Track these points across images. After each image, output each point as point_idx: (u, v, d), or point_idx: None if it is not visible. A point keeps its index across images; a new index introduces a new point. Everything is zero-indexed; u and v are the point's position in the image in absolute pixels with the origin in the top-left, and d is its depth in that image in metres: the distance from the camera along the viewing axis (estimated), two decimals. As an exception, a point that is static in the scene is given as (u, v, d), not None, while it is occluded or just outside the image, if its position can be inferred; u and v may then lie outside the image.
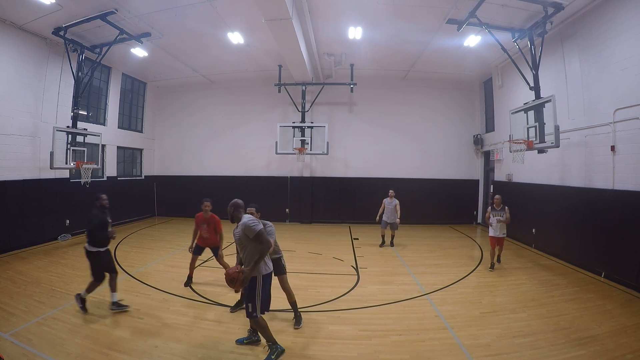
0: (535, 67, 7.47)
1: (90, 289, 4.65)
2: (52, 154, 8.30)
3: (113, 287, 4.76)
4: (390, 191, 8.85)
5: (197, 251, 5.80)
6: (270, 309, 3.80)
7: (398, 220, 8.57)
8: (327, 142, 11.04)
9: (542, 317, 4.64)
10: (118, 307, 4.69)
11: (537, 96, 7.45)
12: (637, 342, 3.92)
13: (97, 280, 4.65)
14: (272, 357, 3.45)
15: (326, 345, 3.90)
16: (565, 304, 5.11)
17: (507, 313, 4.80)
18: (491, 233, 6.89)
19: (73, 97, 8.89)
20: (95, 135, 9.61)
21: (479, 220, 12.57)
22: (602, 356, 3.64)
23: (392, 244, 8.95)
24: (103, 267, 4.73)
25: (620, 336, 4.07)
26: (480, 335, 4.14)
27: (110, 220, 5.01)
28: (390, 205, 8.62)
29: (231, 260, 7.47)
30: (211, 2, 7.32)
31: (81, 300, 4.63)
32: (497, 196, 7.06)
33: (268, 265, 3.64)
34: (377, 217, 8.87)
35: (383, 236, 9.04)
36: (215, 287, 5.76)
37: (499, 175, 11.09)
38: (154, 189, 13.91)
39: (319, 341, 4.01)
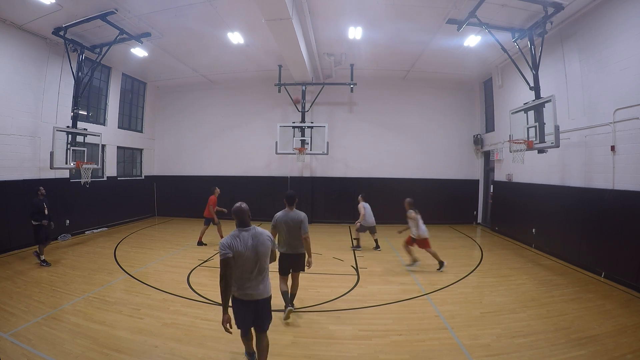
0: (535, 67, 7.47)
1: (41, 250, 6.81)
2: (52, 154, 8.29)
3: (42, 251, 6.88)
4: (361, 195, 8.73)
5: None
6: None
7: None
8: (327, 142, 11.04)
9: (542, 317, 4.64)
10: (46, 264, 6.79)
11: (537, 96, 7.44)
12: (637, 342, 3.92)
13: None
14: None
15: (326, 345, 3.90)
16: (565, 304, 5.11)
17: (507, 313, 4.80)
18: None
19: (73, 97, 8.88)
20: (95, 135, 9.60)
21: (479, 220, 12.58)
22: (602, 356, 3.63)
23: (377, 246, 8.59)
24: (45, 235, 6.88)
25: (620, 336, 4.07)
26: (480, 335, 4.14)
27: (46, 206, 6.96)
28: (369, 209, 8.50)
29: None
30: (211, 2, 7.33)
31: (38, 255, 6.80)
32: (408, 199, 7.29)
33: (237, 289, 3.02)
34: (359, 224, 8.45)
35: (376, 240, 8.69)
36: (215, 287, 5.74)
37: (499, 175, 11.10)
38: (154, 189, 13.91)
39: (319, 341, 4.01)
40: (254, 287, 2.99)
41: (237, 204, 3.06)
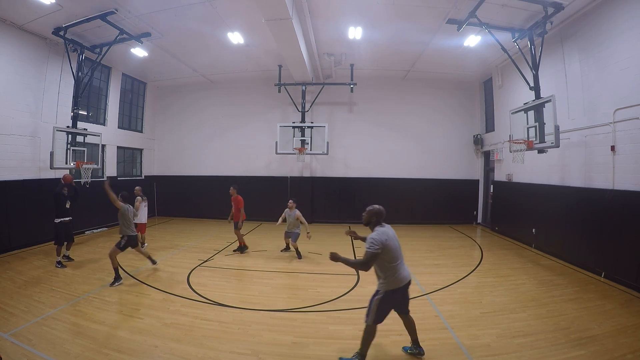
0: (535, 67, 7.47)
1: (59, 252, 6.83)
2: (52, 154, 8.30)
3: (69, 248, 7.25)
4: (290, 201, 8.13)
5: (236, 226, 7.95)
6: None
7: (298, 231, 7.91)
8: (327, 142, 11.03)
9: (542, 317, 4.64)
10: (68, 259, 7.14)
11: (537, 96, 7.44)
12: (637, 342, 3.92)
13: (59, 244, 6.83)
14: None
15: (326, 345, 3.90)
16: (565, 304, 5.10)
17: (507, 313, 4.80)
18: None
19: (73, 97, 8.88)
20: (95, 135, 9.60)
21: (479, 220, 12.58)
22: (602, 356, 3.63)
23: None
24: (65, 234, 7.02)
25: (620, 336, 4.07)
26: (480, 335, 4.14)
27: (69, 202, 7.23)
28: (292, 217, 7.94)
29: (231, 261, 7.50)
30: (211, 2, 7.33)
31: (59, 263, 6.78)
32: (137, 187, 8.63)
33: (392, 280, 3.42)
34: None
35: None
36: (215, 287, 5.76)
37: (499, 175, 11.10)
38: (154, 189, 13.90)
39: (319, 341, 4.00)
40: (405, 270, 3.53)
41: (378, 207, 3.58)
